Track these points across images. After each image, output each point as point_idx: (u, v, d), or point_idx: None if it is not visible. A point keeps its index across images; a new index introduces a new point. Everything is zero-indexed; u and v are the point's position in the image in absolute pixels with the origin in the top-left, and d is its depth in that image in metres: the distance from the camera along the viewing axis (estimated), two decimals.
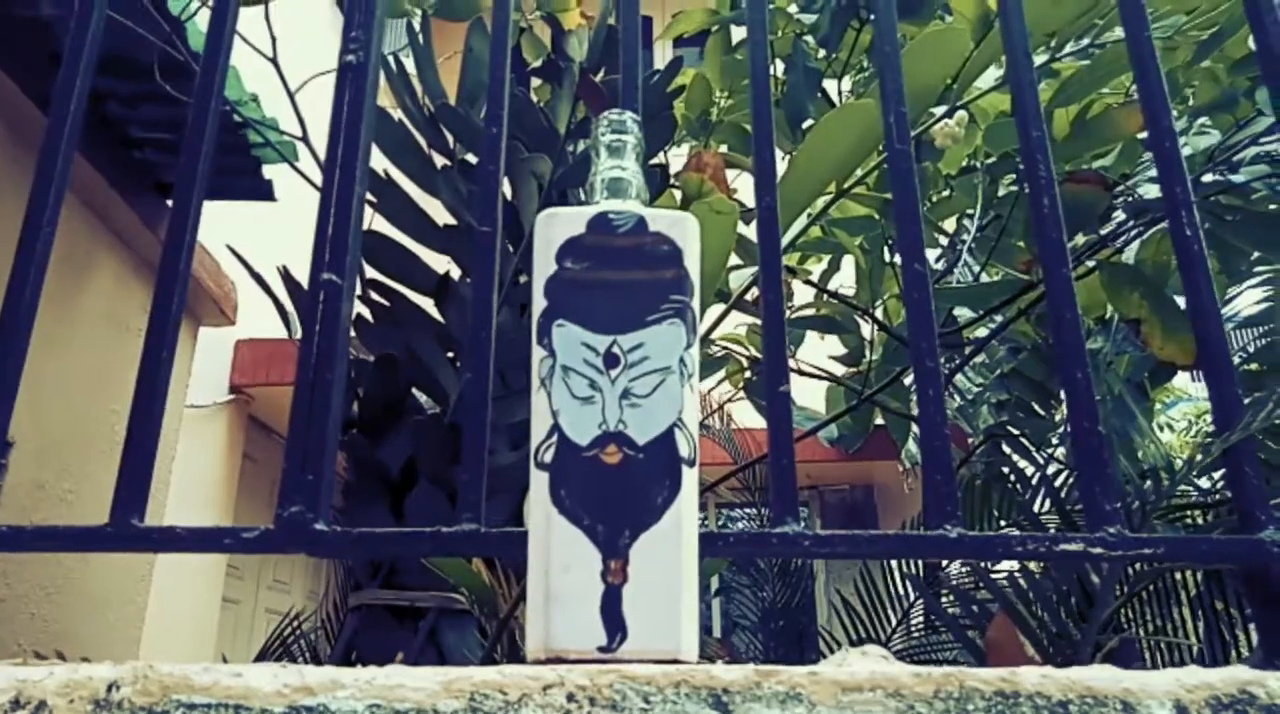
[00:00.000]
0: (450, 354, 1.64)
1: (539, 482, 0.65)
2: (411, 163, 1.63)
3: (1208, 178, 2.09)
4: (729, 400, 2.46)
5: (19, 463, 2.21)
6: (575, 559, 0.62)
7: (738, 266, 1.60)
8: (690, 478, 0.65)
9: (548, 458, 0.65)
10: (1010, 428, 3.91)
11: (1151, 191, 2.33)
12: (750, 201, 1.99)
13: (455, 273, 1.68)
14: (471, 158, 1.68)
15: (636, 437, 0.65)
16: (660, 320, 0.69)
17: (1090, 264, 1.98)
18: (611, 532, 0.63)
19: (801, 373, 2.81)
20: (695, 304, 0.70)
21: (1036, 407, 3.73)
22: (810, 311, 2.88)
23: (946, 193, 2.45)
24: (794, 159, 1.11)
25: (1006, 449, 3.90)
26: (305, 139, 1.95)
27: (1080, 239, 1.97)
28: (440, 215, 1.70)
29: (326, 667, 0.59)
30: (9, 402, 0.78)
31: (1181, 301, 2.06)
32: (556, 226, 0.71)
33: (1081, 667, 0.70)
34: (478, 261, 0.82)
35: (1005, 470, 3.48)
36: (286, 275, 1.63)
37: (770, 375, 0.80)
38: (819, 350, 3.35)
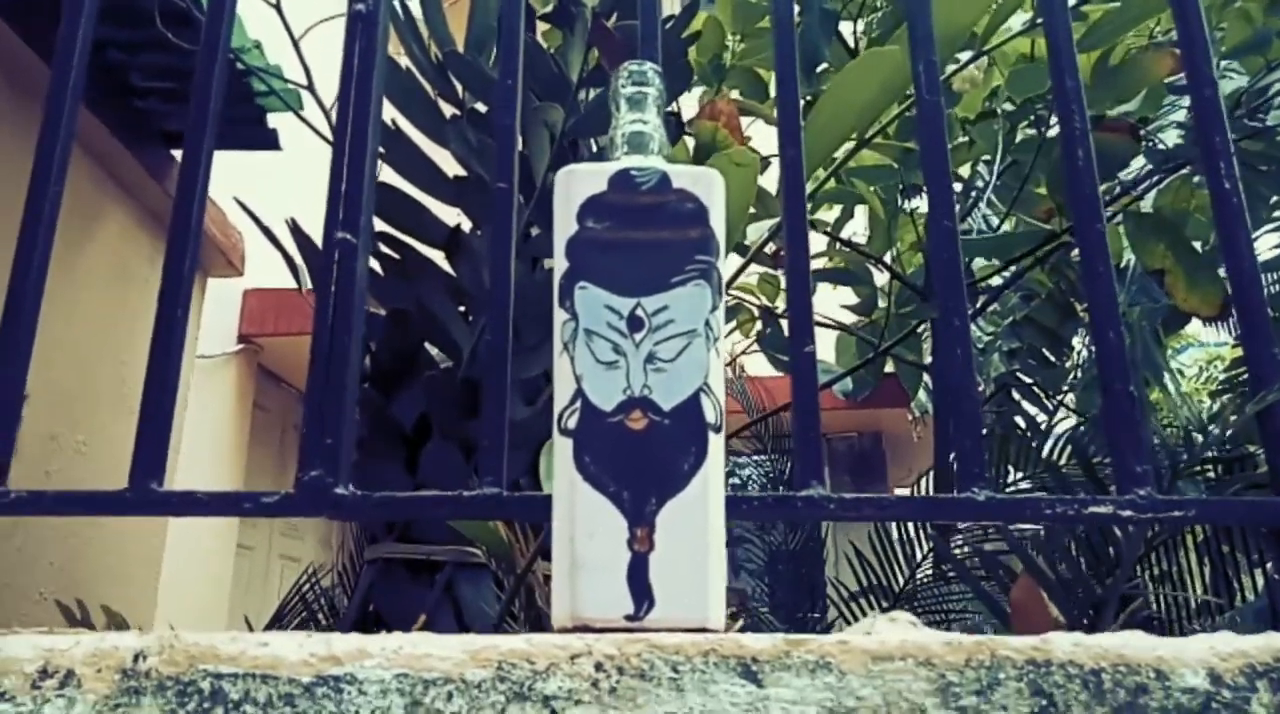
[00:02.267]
0: (462, 308, 1.62)
1: (563, 448, 0.64)
2: (420, 112, 1.59)
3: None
4: (743, 352, 2.45)
5: (32, 415, 2.22)
6: (601, 527, 0.61)
7: (753, 217, 1.57)
8: (717, 444, 0.64)
9: (571, 424, 0.64)
10: (1021, 376, 3.90)
11: (1174, 138, 2.28)
12: (764, 149, 1.95)
13: (466, 225, 1.66)
14: (481, 107, 1.64)
15: (662, 402, 0.64)
16: (685, 282, 0.67)
17: (1110, 213, 1.95)
18: (637, 499, 0.62)
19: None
20: (721, 265, 0.68)
21: (1048, 354, 3.71)
22: (823, 261, 2.85)
23: (964, 138, 2.41)
24: (816, 109, 1.08)
25: (1017, 396, 3.89)
26: (310, 87, 1.91)
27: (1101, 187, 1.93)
28: (449, 166, 1.67)
29: (352, 635, 0.59)
30: (25, 355, 0.77)
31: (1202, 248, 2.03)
32: (577, 184, 0.69)
33: (1113, 633, 0.69)
34: (495, 220, 0.80)
35: (1018, 420, 3.47)
36: (295, 229, 1.61)
37: (795, 335, 0.78)
38: (830, 298, 3.32)
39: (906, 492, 8.24)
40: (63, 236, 0.84)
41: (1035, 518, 0.78)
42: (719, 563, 0.62)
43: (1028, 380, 3.83)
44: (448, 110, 1.63)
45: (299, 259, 1.61)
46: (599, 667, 0.57)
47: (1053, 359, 3.67)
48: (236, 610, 4.23)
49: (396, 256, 1.63)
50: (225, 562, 4.27)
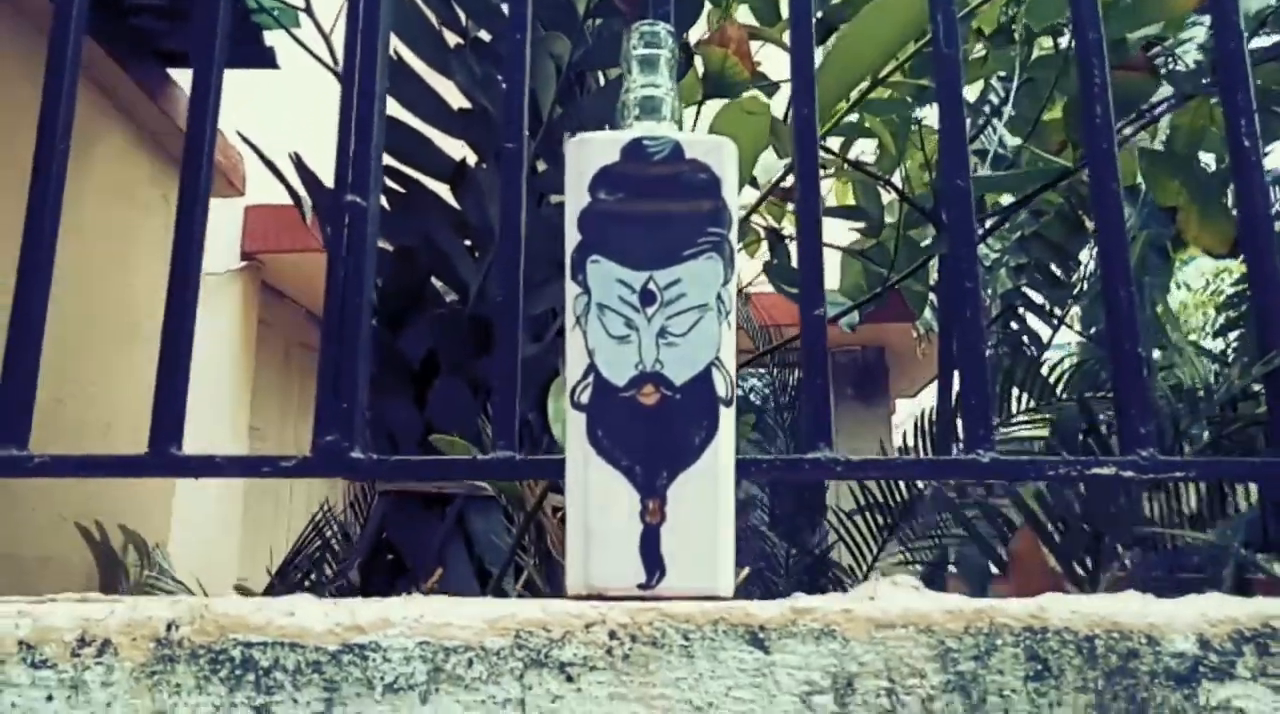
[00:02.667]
0: (468, 242, 1.61)
1: (576, 422, 0.65)
2: (423, 41, 1.56)
3: (1256, 43, 1.99)
4: (749, 284, 2.44)
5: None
6: (613, 499, 0.63)
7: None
8: (728, 417, 0.65)
9: (584, 398, 0.65)
10: (1028, 291, 3.89)
11: (1194, 57, 2.22)
12: (774, 74, 1.91)
13: (471, 158, 1.64)
14: (485, 34, 1.60)
15: (674, 377, 0.65)
16: (697, 255, 0.67)
17: (1130, 136, 1.91)
18: (649, 472, 0.64)
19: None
20: (733, 236, 0.68)
21: (1055, 270, 3.69)
22: (830, 182, 2.81)
23: (980, 52, 2.34)
24: (830, 53, 1.05)
25: (1023, 311, 3.89)
26: (308, 9, 1.86)
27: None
28: (452, 96, 1.64)
29: (373, 602, 0.61)
30: (38, 334, 0.78)
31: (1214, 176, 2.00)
32: (589, 154, 0.68)
33: (1109, 596, 0.72)
34: (504, 180, 0.80)
35: (1025, 341, 3.46)
36: (299, 162, 1.59)
37: (806, 300, 0.78)
38: (836, 219, 3.29)
39: (909, 403, 8.32)
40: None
41: (1039, 477, 0.80)
42: (728, 533, 0.64)
43: (1034, 297, 3.81)
44: (451, 39, 1.60)
45: (302, 191, 1.60)
46: (613, 635, 0.59)
47: (1060, 275, 3.65)
48: (251, 512, 4.34)
49: (401, 189, 1.62)
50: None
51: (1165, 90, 2.14)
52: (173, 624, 0.59)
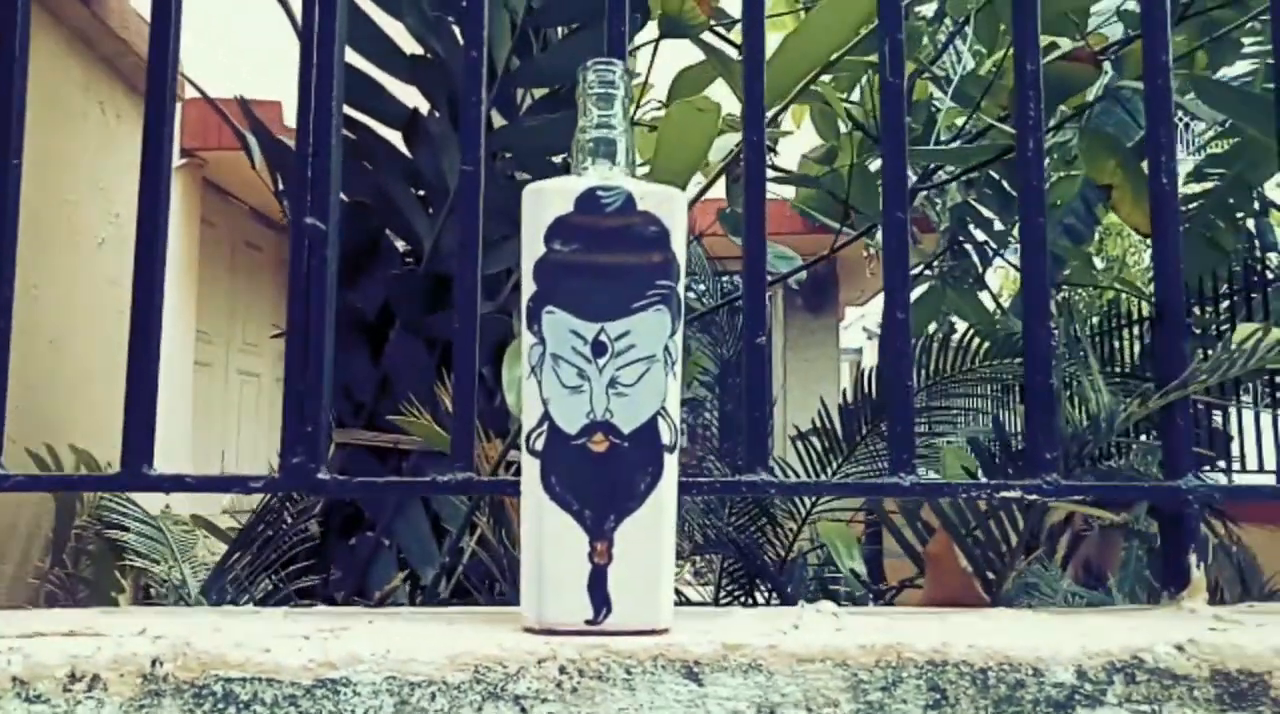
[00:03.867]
0: (422, 193, 1.61)
1: (531, 467, 0.69)
2: None
3: None
4: (701, 234, 2.46)
5: None
6: (564, 541, 0.69)
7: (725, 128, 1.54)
8: (671, 463, 0.70)
9: (539, 446, 0.69)
10: (976, 204, 3.94)
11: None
12: (735, 9, 1.88)
13: (424, 107, 1.61)
14: None
15: (622, 425, 0.70)
16: (647, 307, 0.71)
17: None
18: (598, 516, 0.69)
19: (774, 174, 2.77)
20: (680, 288, 0.72)
21: (1007, 185, 3.75)
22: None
23: None
24: (782, 46, 1.06)
25: (974, 229, 3.94)
26: None
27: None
28: (403, 39, 1.61)
29: (345, 639, 0.67)
30: (6, 322, 0.80)
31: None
32: (544, 205, 0.71)
33: (1008, 613, 0.80)
34: (461, 209, 0.82)
35: (976, 268, 3.55)
36: (245, 107, 1.56)
37: (749, 327, 0.83)
38: (792, 148, 3.29)
39: (859, 311, 8.46)
40: None
41: (953, 497, 0.87)
42: (669, 570, 0.70)
43: (984, 212, 3.88)
44: None
45: (252, 139, 1.57)
46: (562, 669, 0.66)
47: (1008, 189, 3.71)
48: (200, 427, 4.36)
49: (353, 137, 1.60)
50: (184, 379, 4.34)
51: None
52: (157, 660, 0.64)
